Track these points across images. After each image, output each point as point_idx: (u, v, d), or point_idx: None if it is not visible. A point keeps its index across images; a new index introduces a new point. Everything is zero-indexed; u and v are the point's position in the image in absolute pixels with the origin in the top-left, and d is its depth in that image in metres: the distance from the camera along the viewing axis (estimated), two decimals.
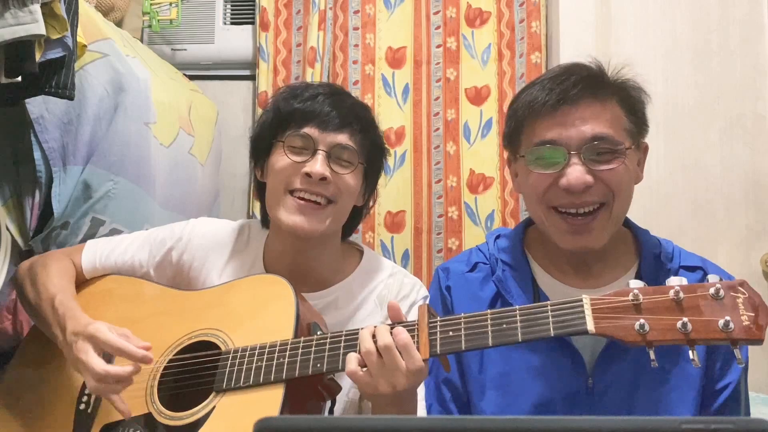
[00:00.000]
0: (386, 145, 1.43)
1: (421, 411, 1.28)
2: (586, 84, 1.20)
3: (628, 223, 1.32)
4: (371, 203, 1.45)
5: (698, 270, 1.27)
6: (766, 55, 2.28)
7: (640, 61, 2.30)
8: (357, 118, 1.34)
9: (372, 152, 1.37)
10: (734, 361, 1.20)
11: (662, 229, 2.09)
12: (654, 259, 1.26)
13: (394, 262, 2.18)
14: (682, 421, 0.55)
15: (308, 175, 1.27)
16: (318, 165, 1.27)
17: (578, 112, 1.19)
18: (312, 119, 1.30)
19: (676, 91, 2.29)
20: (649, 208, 2.21)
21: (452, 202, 2.37)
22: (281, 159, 1.31)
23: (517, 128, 1.25)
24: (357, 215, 1.42)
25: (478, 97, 2.40)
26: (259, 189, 1.41)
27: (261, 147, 1.37)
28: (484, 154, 2.36)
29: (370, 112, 1.41)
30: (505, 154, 1.34)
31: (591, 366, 1.20)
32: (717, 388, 1.22)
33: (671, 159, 2.26)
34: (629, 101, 1.23)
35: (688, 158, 2.27)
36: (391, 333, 1.07)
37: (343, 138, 1.30)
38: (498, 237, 1.36)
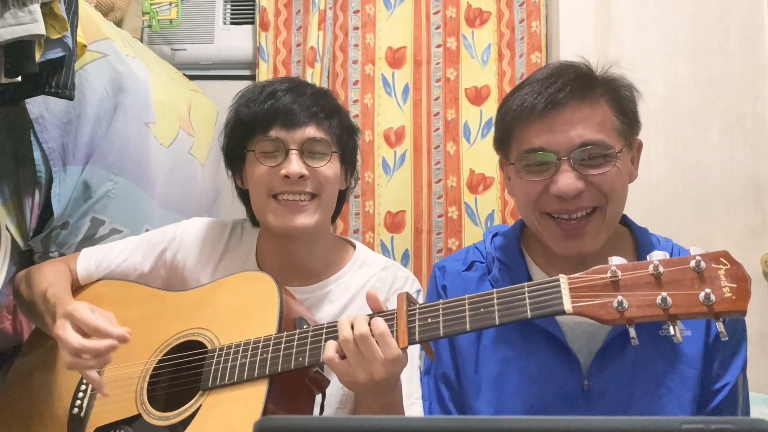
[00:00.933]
0: (356, 124, 1.42)
1: (419, 409, 1.28)
2: (575, 86, 1.17)
3: (626, 222, 1.30)
4: (353, 183, 1.45)
5: None
6: (766, 55, 2.28)
7: (640, 61, 2.31)
8: (320, 106, 1.32)
9: (343, 136, 1.36)
10: (732, 362, 1.20)
11: (662, 229, 2.09)
12: None
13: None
14: (682, 421, 0.55)
15: (286, 176, 1.27)
16: (293, 165, 1.27)
17: (566, 116, 1.15)
18: (276, 119, 1.29)
19: (676, 91, 2.29)
20: (650, 208, 2.21)
21: (452, 202, 2.37)
22: (257, 168, 1.31)
23: (506, 134, 1.23)
24: (341, 197, 1.42)
25: (478, 97, 2.40)
26: (242, 195, 1.42)
27: (234, 158, 1.37)
28: (484, 154, 2.36)
29: (331, 96, 1.40)
30: (497, 158, 1.33)
31: (587, 367, 1.19)
32: (714, 388, 1.21)
33: (671, 159, 2.27)
34: (619, 100, 1.20)
35: (688, 158, 2.27)
36: (369, 323, 1.07)
37: (311, 131, 1.30)
38: (495, 235, 1.35)
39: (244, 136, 1.33)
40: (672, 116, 2.28)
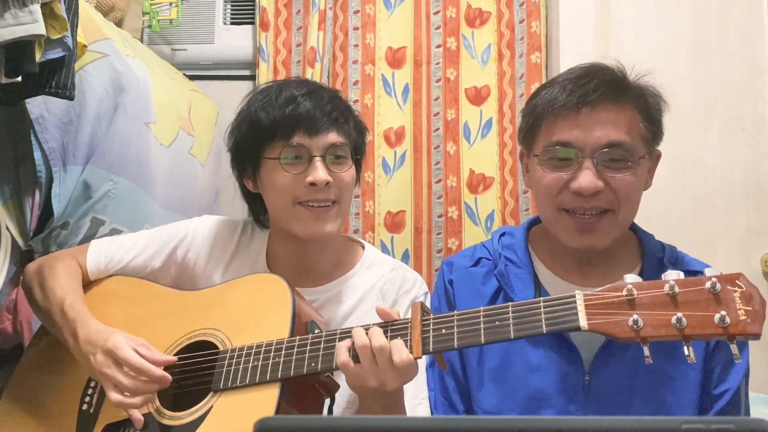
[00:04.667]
0: (364, 123, 1.42)
1: (425, 409, 1.28)
2: (607, 88, 1.21)
3: (633, 227, 1.33)
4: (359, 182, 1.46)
5: (700, 274, 1.26)
6: (766, 55, 2.28)
7: (641, 61, 2.30)
8: (339, 111, 1.32)
9: (358, 139, 1.37)
10: (733, 367, 1.22)
11: (663, 229, 2.09)
12: (657, 262, 1.27)
13: None
14: (683, 421, 0.55)
15: (312, 183, 1.27)
16: (320, 172, 1.27)
17: (597, 116, 1.20)
18: (298, 126, 1.28)
19: (676, 91, 2.28)
20: (650, 208, 2.19)
21: (452, 202, 2.37)
22: (279, 175, 1.29)
23: (535, 125, 1.26)
24: None
25: (478, 97, 2.40)
26: (249, 198, 1.41)
27: (245, 161, 1.35)
28: (484, 154, 2.36)
29: (343, 98, 1.39)
30: (519, 149, 1.35)
31: (588, 363, 1.21)
32: (716, 393, 1.22)
33: (671, 159, 2.25)
34: (647, 108, 1.25)
35: (688, 158, 2.26)
36: (385, 334, 1.08)
37: (333, 137, 1.30)
38: (503, 234, 1.38)
39: (262, 140, 1.30)
40: (672, 116, 2.27)
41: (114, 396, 1.18)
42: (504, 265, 1.31)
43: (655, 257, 1.28)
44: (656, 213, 2.21)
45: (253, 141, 1.32)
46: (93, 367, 1.20)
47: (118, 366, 1.18)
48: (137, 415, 1.18)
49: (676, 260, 1.28)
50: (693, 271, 1.22)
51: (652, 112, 1.26)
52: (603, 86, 1.21)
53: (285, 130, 1.28)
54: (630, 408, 1.20)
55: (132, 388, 1.17)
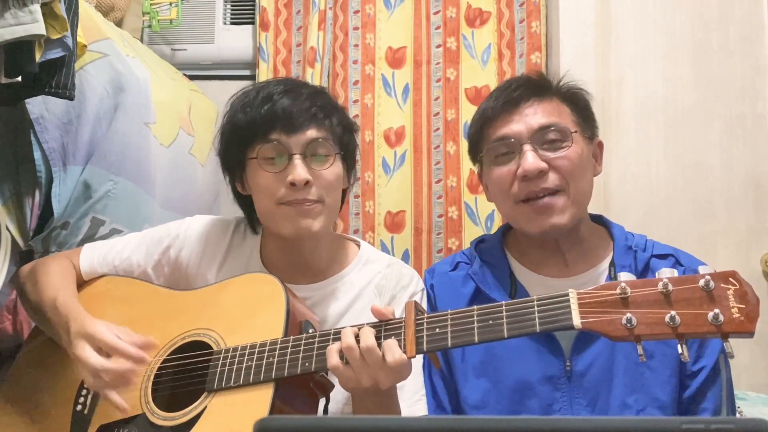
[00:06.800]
0: (354, 121, 1.41)
1: (424, 406, 1.29)
2: (528, 86, 1.34)
3: (602, 221, 1.41)
4: (353, 182, 1.44)
5: (670, 257, 1.32)
6: (766, 55, 2.28)
7: (640, 61, 2.31)
8: (318, 107, 1.30)
9: (343, 135, 1.35)
10: (709, 345, 1.26)
11: (663, 228, 2.09)
12: (627, 249, 1.33)
13: None
14: (683, 421, 0.55)
15: (292, 183, 1.25)
16: (298, 170, 1.25)
17: (525, 109, 1.32)
18: (275, 123, 1.27)
19: (676, 91, 2.29)
20: (650, 208, 2.21)
21: (452, 202, 2.37)
22: (260, 175, 1.28)
23: (476, 136, 1.38)
24: (341, 197, 1.41)
25: (478, 97, 2.40)
26: (241, 200, 1.41)
27: (232, 163, 1.35)
28: None
29: (328, 95, 1.38)
30: (475, 169, 1.45)
31: (568, 350, 1.25)
32: (693, 370, 1.26)
33: (671, 159, 2.26)
34: (572, 97, 1.36)
35: (689, 158, 2.27)
36: (376, 335, 1.08)
37: (312, 133, 1.28)
38: (481, 241, 1.46)
39: (242, 141, 1.30)
40: (672, 116, 2.28)
41: (88, 378, 1.18)
42: (479, 265, 1.37)
43: (624, 245, 1.33)
44: (656, 213, 2.21)
45: (236, 143, 1.32)
46: (72, 353, 1.20)
47: (94, 347, 1.18)
48: (115, 396, 1.17)
49: (645, 247, 1.34)
50: (664, 255, 1.31)
51: (578, 101, 1.36)
52: (524, 85, 1.35)
53: (262, 128, 1.27)
54: (612, 389, 1.24)
55: (108, 368, 1.16)
